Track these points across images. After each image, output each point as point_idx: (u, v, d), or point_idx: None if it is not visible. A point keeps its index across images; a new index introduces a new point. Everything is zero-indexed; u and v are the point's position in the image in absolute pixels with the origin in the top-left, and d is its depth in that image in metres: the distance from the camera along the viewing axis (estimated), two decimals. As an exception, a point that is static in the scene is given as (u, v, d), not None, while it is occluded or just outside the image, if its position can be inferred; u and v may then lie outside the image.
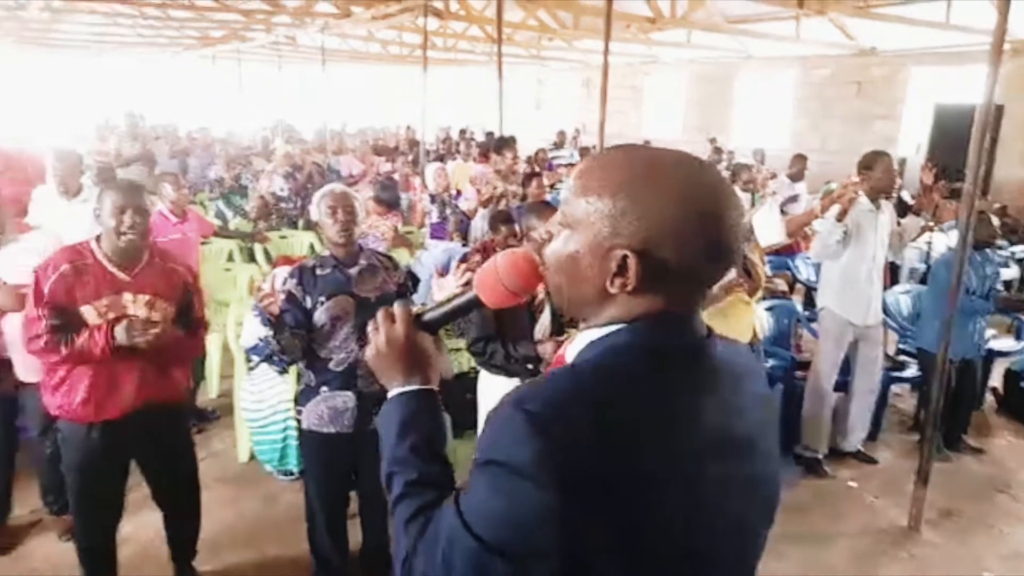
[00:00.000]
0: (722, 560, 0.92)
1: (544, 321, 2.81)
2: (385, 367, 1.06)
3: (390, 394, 1.06)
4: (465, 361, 3.92)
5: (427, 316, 1.07)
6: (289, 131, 12.50)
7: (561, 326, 2.77)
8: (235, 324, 4.28)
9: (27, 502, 3.40)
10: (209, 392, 4.74)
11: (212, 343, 4.70)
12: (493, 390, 2.91)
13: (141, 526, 3.03)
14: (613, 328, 0.90)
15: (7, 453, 3.24)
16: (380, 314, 1.09)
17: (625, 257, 0.86)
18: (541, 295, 2.85)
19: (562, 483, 0.78)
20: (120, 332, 2.38)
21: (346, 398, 2.66)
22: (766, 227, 3.44)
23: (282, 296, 2.57)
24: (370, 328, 1.09)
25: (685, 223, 0.86)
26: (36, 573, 3.06)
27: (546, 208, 3.05)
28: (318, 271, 2.63)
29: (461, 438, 3.49)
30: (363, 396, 2.65)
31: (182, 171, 10.67)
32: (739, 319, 3.65)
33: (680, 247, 0.86)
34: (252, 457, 3.96)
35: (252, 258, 6.05)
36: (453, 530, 0.84)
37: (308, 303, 2.59)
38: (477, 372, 3.17)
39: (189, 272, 2.75)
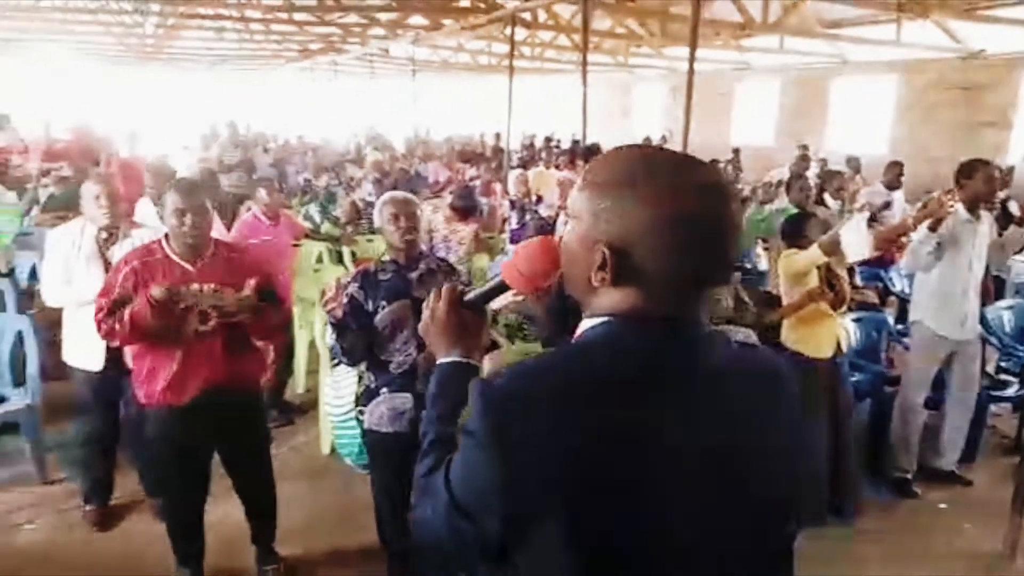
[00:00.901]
0: (686, 554, 0.92)
1: None
2: (432, 339, 1.16)
3: (436, 362, 1.16)
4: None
5: (468, 296, 1.16)
6: (379, 139, 12.90)
7: None
8: (321, 322, 4.47)
9: (126, 483, 3.64)
10: (296, 387, 4.95)
11: (300, 340, 4.93)
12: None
13: (231, 511, 3.18)
14: (599, 320, 0.95)
15: (110, 439, 3.48)
16: (432, 293, 1.19)
17: (604, 252, 0.90)
18: None
19: (506, 456, 0.87)
20: (157, 290, 2.47)
21: (405, 399, 2.71)
22: (853, 242, 3.33)
23: (345, 300, 2.66)
24: (424, 305, 1.19)
25: (662, 224, 0.88)
26: (134, 550, 3.28)
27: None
28: (380, 276, 2.71)
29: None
30: (421, 398, 2.71)
31: (281, 178, 11.24)
32: (820, 331, 3.56)
33: (656, 247, 0.89)
34: (333, 450, 4.12)
35: (340, 260, 6.28)
36: (439, 488, 0.95)
37: (370, 307, 2.66)
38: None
39: (257, 263, 2.90)
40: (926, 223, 3.78)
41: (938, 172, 8.89)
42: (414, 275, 2.73)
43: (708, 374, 0.94)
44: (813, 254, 3.44)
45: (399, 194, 2.86)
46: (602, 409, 0.88)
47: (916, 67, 11.71)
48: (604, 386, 0.90)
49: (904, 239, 5.19)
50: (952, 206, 3.70)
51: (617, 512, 0.87)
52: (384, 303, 2.65)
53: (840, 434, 3.63)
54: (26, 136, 11.32)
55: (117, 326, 2.56)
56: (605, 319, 0.94)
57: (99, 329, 2.61)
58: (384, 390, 2.73)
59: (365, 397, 2.82)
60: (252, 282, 2.62)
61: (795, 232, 3.69)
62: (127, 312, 2.53)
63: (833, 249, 3.38)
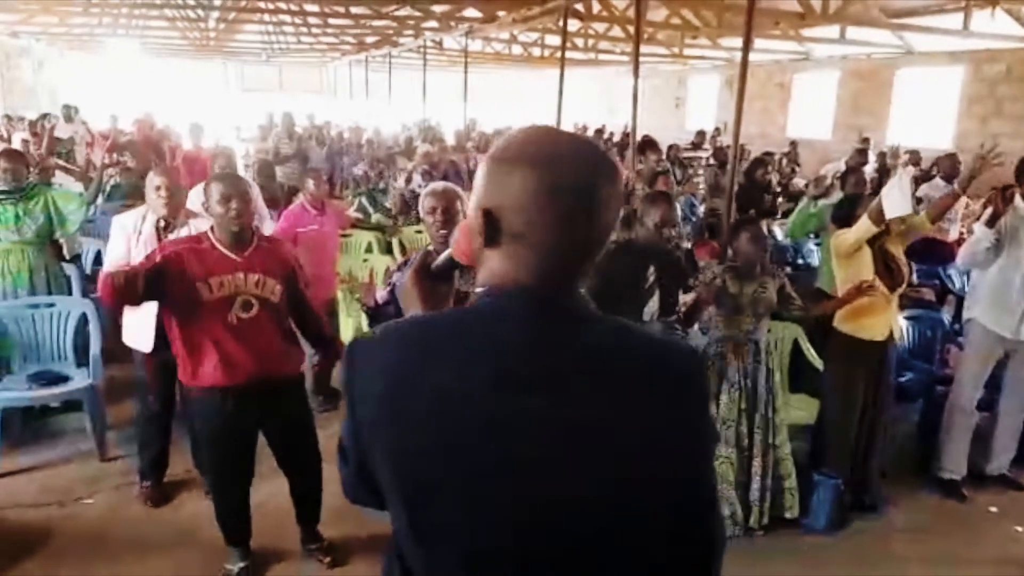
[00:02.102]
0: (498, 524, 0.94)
1: (652, 305, 2.83)
2: (404, 303, 1.23)
3: None
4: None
5: (433, 265, 1.22)
6: (431, 131, 13.03)
7: (670, 307, 2.77)
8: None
9: (179, 462, 3.79)
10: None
11: (346, 327, 5.04)
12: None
13: (277, 492, 3.28)
14: (482, 291, 0.98)
15: (165, 418, 3.62)
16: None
17: (481, 216, 0.95)
18: (652, 279, 2.87)
19: (353, 407, 0.99)
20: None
21: None
22: (895, 197, 3.20)
23: (387, 288, 2.72)
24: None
25: (533, 195, 0.91)
26: (185, 524, 3.42)
27: (660, 197, 3.07)
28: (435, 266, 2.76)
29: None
30: None
31: (337, 168, 11.44)
32: (874, 314, 3.49)
33: (528, 217, 0.92)
34: (378, 435, 4.22)
35: (389, 249, 6.40)
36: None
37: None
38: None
39: (292, 254, 3.01)
40: (984, 219, 3.67)
41: (1005, 166, 8.53)
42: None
43: (563, 350, 0.93)
44: (862, 227, 3.36)
45: (439, 185, 2.88)
46: (423, 351, 0.95)
47: (984, 58, 11.25)
48: (439, 336, 0.97)
49: (966, 232, 5.02)
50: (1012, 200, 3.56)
51: (419, 452, 0.95)
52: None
53: (873, 422, 3.57)
54: (93, 127, 11.82)
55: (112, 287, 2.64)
56: (484, 291, 0.98)
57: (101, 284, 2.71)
58: None
59: None
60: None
61: (846, 215, 3.59)
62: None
63: (881, 218, 3.28)
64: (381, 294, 2.70)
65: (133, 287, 2.60)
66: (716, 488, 1.04)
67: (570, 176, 0.92)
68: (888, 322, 3.53)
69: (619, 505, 0.92)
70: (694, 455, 0.97)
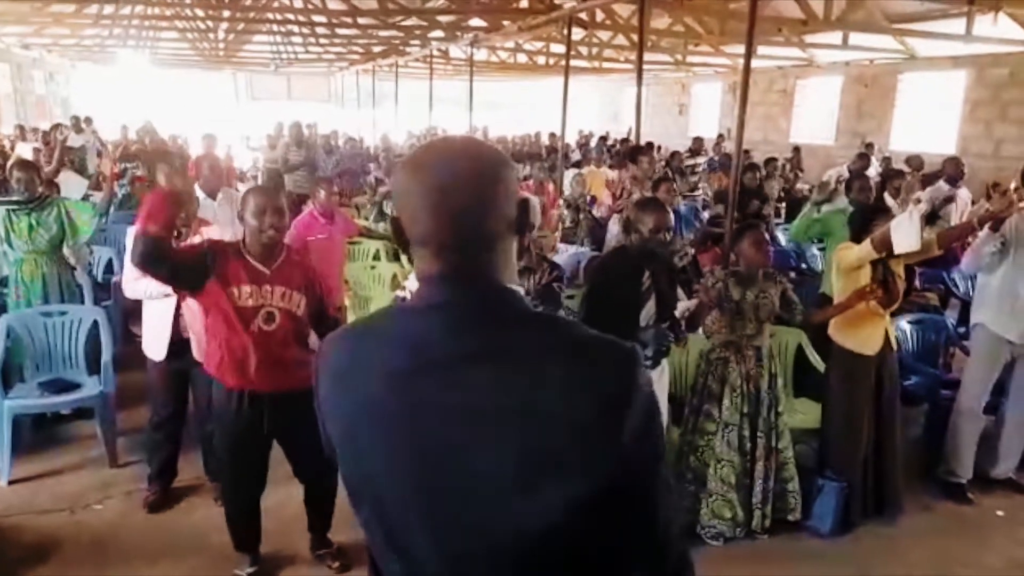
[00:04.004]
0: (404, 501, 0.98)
1: (649, 309, 2.86)
2: None
3: None
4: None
5: None
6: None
7: (667, 312, 2.80)
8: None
9: (190, 469, 3.83)
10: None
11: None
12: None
13: (286, 500, 3.33)
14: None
15: (175, 425, 3.66)
16: None
17: (391, 223, 1.04)
18: (647, 284, 2.91)
19: (316, 387, 1.10)
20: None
21: None
22: (903, 232, 3.24)
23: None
24: None
25: (416, 197, 0.98)
26: (195, 530, 3.45)
27: (653, 204, 3.09)
28: None
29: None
30: None
31: (342, 176, 11.51)
32: (867, 328, 3.52)
33: (415, 218, 0.99)
34: (385, 441, 4.25)
35: (397, 257, 6.44)
36: None
37: None
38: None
39: (315, 269, 3.06)
40: (989, 223, 3.68)
41: (1008, 171, 8.55)
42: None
43: (462, 341, 0.96)
44: (864, 250, 3.39)
45: None
46: (353, 348, 1.06)
47: (988, 62, 11.25)
48: (367, 336, 1.06)
49: (970, 239, 5.02)
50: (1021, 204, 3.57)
51: (344, 447, 1.06)
52: None
53: (880, 429, 3.58)
54: (105, 137, 11.93)
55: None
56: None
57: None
58: None
59: None
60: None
61: (860, 226, 3.59)
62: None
63: (884, 246, 3.32)
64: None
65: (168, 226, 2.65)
66: (658, 502, 0.98)
67: (444, 176, 0.97)
68: (881, 336, 3.54)
69: (525, 499, 0.90)
70: (612, 459, 0.91)
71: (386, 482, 1.00)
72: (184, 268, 2.72)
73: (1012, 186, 3.58)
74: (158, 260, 2.64)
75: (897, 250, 3.26)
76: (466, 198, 0.96)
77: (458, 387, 0.93)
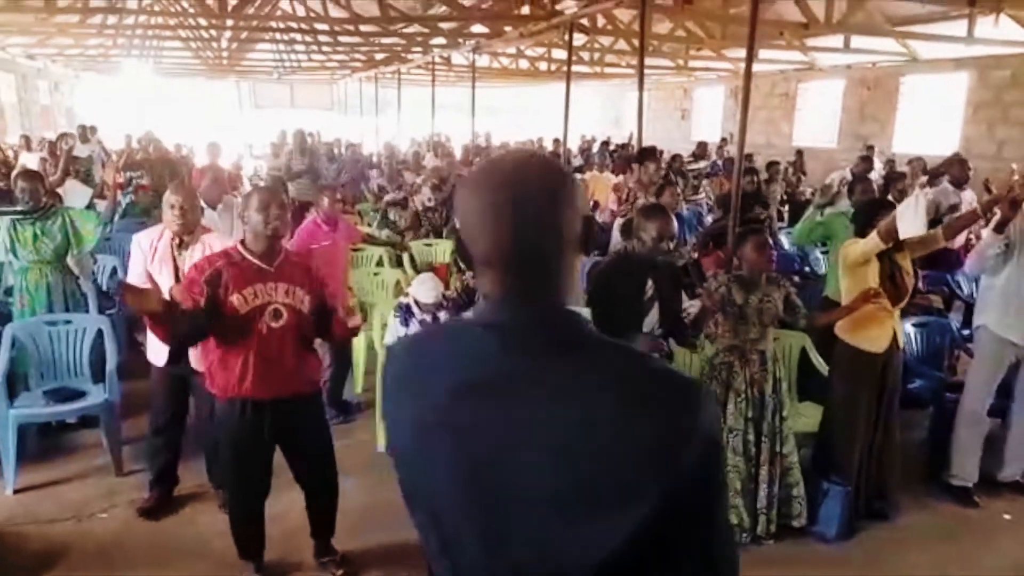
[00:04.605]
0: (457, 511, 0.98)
1: (653, 316, 2.86)
2: None
3: None
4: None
5: None
6: (439, 146, 13.14)
7: (670, 319, 2.79)
8: (380, 324, 4.63)
9: (193, 476, 3.85)
10: (355, 387, 5.12)
11: (358, 341, 5.09)
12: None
13: (289, 507, 3.32)
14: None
15: (174, 432, 3.68)
16: None
17: (456, 240, 1.04)
18: (651, 291, 2.91)
19: (382, 390, 1.13)
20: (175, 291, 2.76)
21: None
22: (908, 218, 3.22)
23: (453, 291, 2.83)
24: None
25: (477, 216, 0.98)
26: (199, 538, 3.46)
27: (657, 210, 3.09)
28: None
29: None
30: None
31: (347, 184, 11.55)
32: (876, 325, 3.51)
33: (475, 234, 0.98)
34: (389, 447, 4.25)
35: (400, 263, 6.46)
36: None
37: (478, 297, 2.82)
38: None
39: (316, 267, 3.09)
40: (992, 224, 3.68)
41: (1014, 174, 8.53)
42: None
43: (517, 360, 0.94)
44: (871, 242, 3.37)
45: None
46: (416, 357, 1.07)
47: (990, 64, 11.23)
48: (428, 347, 1.08)
49: (974, 238, 5.00)
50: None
51: (403, 456, 1.07)
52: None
53: (880, 429, 3.57)
54: (109, 147, 11.99)
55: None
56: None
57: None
58: None
59: None
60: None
61: (865, 221, 3.58)
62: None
63: (890, 235, 3.30)
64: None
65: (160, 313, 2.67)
66: (713, 540, 0.94)
67: (508, 193, 0.96)
68: (889, 334, 3.54)
69: (574, 526, 0.89)
70: (665, 495, 0.87)
71: (440, 494, 1.00)
72: (210, 316, 2.75)
73: (1014, 168, 3.55)
74: (193, 339, 2.88)
75: (903, 235, 3.24)
76: (530, 216, 0.95)
77: (512, 409, 0.92)
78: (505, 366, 0.94)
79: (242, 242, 2.88)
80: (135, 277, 3.46)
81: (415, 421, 1.02)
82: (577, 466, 0.88)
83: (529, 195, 0.96)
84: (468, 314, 1.05)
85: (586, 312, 1.01)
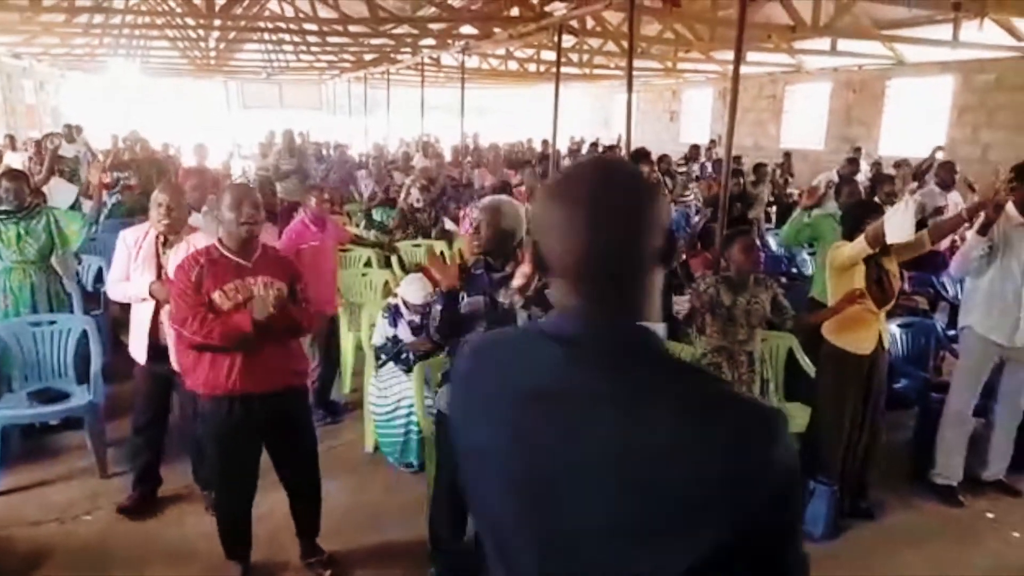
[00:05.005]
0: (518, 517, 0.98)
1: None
2: None
3: None
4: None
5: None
6: (428, 147, 13.14)
7: (665, 318, 2.80)
8: (368, 324, 4.61)
9: (179, 478, 3.82)
10: (343, 387, 5.11)
11: (346, 342, 5.08)
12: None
13: (275, 507, 3.31)
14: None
15: (155, 431, 3.65)
16: None
17: (531, 247, 1.01)
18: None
19: (450, 388, 1.13)
20: (258, 308, 2.75)
21: None
22: (896, 223, 3.24)
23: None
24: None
25: (556, 227, 0.95)
26: (185, 539, 3.44)
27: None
28: (473, 270, 2.86)
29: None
30: None
31: (335, 184, 11.52)
32: (861, 327, 3.53)
33: (551, 244, 0.96)
34: (377, 449, 4.24)
35: (388, 264, 6.44)
36: None
37: (462, 297, 2.81)
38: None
39: (292, 261, 3.13)
40: (976, 227, 3.71)
41: (999, 177, 8.59)
42: (497, 276, 2.85)
43: (581, 373, 0.93)
44: (858, 246, 3.38)
45: (489, 200, 2.97)
46: (484, 361, 1.06)
47: (974, 67, 11.34)
48: (499, 350, 1.06)
49: (959, 240, 5.03)
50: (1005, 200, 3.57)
51: (467, 454, 1.06)
52: (465, 295, 2.79)
53: (865, 430, 3.60)
54: (95, 147, 11.90)
55: (213, 328, 2.74)
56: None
57: (207, 330, 2.75)
58: None
59: (444, 379, 2.99)
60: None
61: (854, 224, 3.59)
62: (230, 321, 2.75)
63: (878, 240, 3.33)
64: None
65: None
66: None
67: (588, 204, 0.93)
68: (874, 336, 3.56)
69: (633, 549, 0.87)
70: (733, 527, 0.83)
71: (497, 502, 1.00)
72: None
73: (999, 176, 3.58)
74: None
75: (890, 239, 3.26)
76: (607, 229, 0.92)
77: (574, 424, 0.90)
78: (570, 380, 0.92)
79: (220, 240, 2.88)
80: (119, 273, 3.47)
81: (477, 426, 1.02)
82: (637, 490, 0.85)
83: (608, 206, 0.92)
84: (546, 319, 1.02)
85: (662, 329, 0.97)
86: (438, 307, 2.78)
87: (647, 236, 0.93)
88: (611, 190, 0.94)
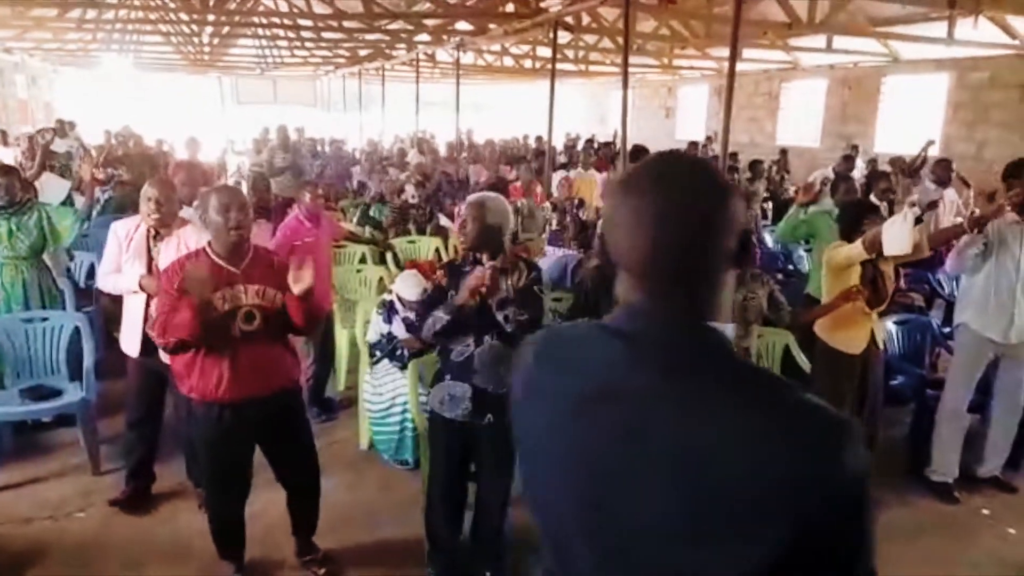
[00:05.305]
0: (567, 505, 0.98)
1: None
2: None
3: None
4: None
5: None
6: (424, 143, 13.11)
7: None
8: (363, 321, 4.59)
9: (172, 475, 3.80)
10: (338, 385, 5.08)
11: (341, 339, 5.06)
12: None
13: (269, 505, 3.29)
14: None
15: (149, 425, 3.63)
16: None
17: (599, 240, 1.00)
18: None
19: (512, 381, 1.10)
20: (189, 284, 2.58)
21: (464, 389, 2.82)
22: (894, 235, 3.26)
23: (431, 285, 2.86)
24: None
25: (621, 218, 0.95)
26: (178, 537, 3.41)
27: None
28: (462, 267, 2.84)
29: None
30: (478, 391, 2.81)
31: (333, 180, 11.50)
32: (854, 327, 3.54)
33: (621, 239, 0.95)
34: (372, 446, 4.23)
35: (383, 260, 6.42)
36: None
37: (451, 295, 2.79)
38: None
39: (285, 262, 2.98)
40: (970, 222, 3.71)
41: (990, 173, 8.63)
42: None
43: (640, 372, 0.91)
44: (854, 250, 3.40)
45: (476, 196, 2.94)
46: (547, 355, 1.05)
47: (969, 65, 11.36)
48: (559, 345, 1.05)
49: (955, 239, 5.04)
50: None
51: (524, 446, 1.07)
52: (453, 292, 2.76)
53: (860, 424, 3.60)
54: (88, 142, 11.83)
55: (174, 322, 2.66)
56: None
57: (163, 331, 2.69)
58: (447, 376, 2.87)
59: (434, 379, 2.97)
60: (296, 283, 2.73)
61: (851, 223, 3.60)
62: (174, 319, 2.64)
63: (875, 247, 3.33)
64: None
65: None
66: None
67: (661, 201, 0.91)
68: (866, 336, 3.57)
69: (687, 551, 0.85)
70: (795, 536, 0.80)
71: (555, 496, 1.00)
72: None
73: (1000, 190, 3.60)
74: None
75: (887, 252, 3.27)
76: (682, 228, 0.90)
77: (634, 423, 0.89)
78: (632, 378, 0.91)
79: (209, 243, 2.80)
80: (110, 265, 3.45)
81: (538, 420, 1.02)
82: (696, 491, 0.83)
83: (679, 205, 0.91)
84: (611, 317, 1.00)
85: (730, 329, 0.96)
86: (440, 314, 2.74)
87: (718, 236, 0.92)
88: (683, 186, 0.92)
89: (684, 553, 0.85)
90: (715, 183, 0.93)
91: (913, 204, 6.08)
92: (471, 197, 2.95)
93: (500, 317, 2.74)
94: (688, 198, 0.91)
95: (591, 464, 0.93)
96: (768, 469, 0.81)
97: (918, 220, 5.88)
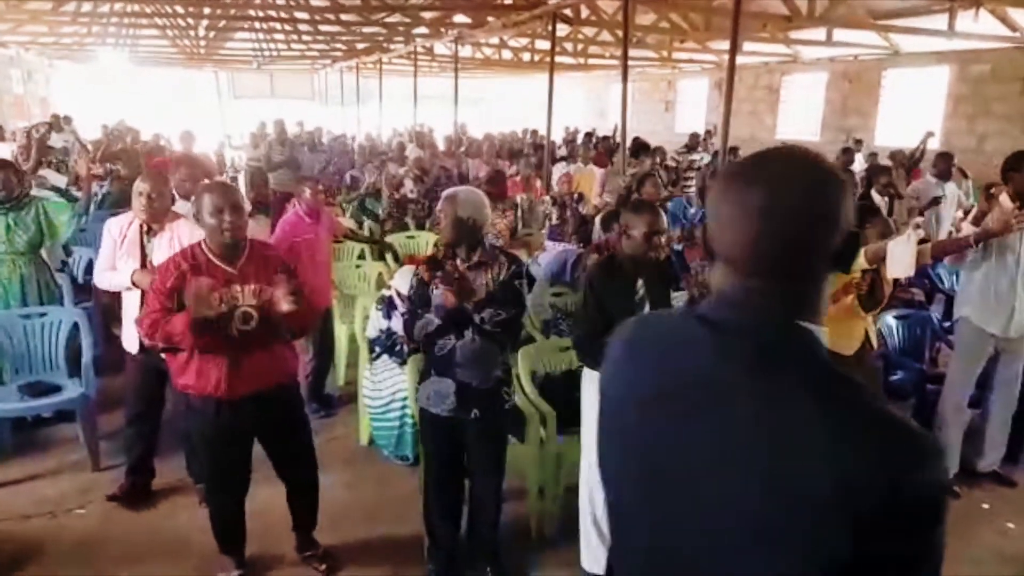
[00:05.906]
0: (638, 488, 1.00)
1: None
2: None
3: None
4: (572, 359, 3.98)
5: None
6: (422, 137, 13.06)
7: None
8: (362, 317, 4.58)
9: (172, 471, 3.79)
10: (337, 380, 5.07)
11: (340, 334, 5.04)
12: (596, 387, 2.95)
13: (269, 500, 3.27)
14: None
15: (148, 421, 3.62)
16: None
17: (702, 229, 1.01)
18: (641, 292, 2.88)
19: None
20: (196, 306, 2.55)
21: (447, 384, 2.82)
22: (898, 258, 3.26)
23: (414, 281, 2.83)
24: None
25: (725, 209, 0.95)
26: (178, 533, 3.41)
27: (645, 206, 3.04)
28: (445, 263, 2.82)
29: (567, 434, 3.49)
30: (461, 385, 2.81)
31: (331, 175, 11.47)
32: (845, 328, 3.54)
33: (722, 229, 0.95)
34: (371, 441, 4.22)
35: (382, 256, 6.40)
36: None
37: (432, 291, 2.79)
38: (582, 369, 3.21)
39: (282, 256, 3.00)
40: (970, 218, 3.70)
41: (991, 165, 8.61)
42: (465, 266, 2.81)
43: (725, 369, 0.91)
44: (857, 259, 3.39)
45: (451, 191, 2.92)
46: (634, 342, 1.06)
47: (970, 58, 11.33)
48: (645, 335, 1.07)
49: (954, 230, 5.02)
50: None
51: (603, 425, 1.08)
52: (434, 288, 2.75)
53: None
54: (84, 137, 11.78)
55: (158, 333, 2.66)
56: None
57: (152, 331, 2.68)
58: (432, 371, 2.87)
59: (423, 376, 2.97)
60: (282, 289, 2.68)
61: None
62: (168, 328, 2.63)
63: (877, 260, 3.34)
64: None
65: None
66: None
67: (767, 195, 0.90)
68: (859, 337, 3.58)
69: (745, 553, 0.85)
70: (857, 552, 0.79)
71: (624, 480, 1.03)
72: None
73: (1008, 206, 3.52)
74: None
75: (891, 275, 3.29)
76: (780, 223, 0.89)
77: (712, 414, 0.89)
78: (717, 370, 0.91)
79: (204, 240, 2.76)
80: (105, 262, 3.44)
81: (621, 404, 1.03)
82: (765, 489, 0.83)
83: (785, 201, 0.89)
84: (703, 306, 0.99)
85: (823, 333, 0.93)
86: (432, 316, 2.75)
87: (823, 234, 0.90)
88: (792, 182, 0.91)
89: (742, 549, 0.85)
90: (824, 181, 0.91)
91: (918, 226, 6.06)
92: (445, 192, 2.93)
93: (477, 320, 2.74)
94: (795, 194, 0.90)
95: (660, 453, 0.94)
96: (838, 475, 0.80)
97: (923, 241, 5.91)
